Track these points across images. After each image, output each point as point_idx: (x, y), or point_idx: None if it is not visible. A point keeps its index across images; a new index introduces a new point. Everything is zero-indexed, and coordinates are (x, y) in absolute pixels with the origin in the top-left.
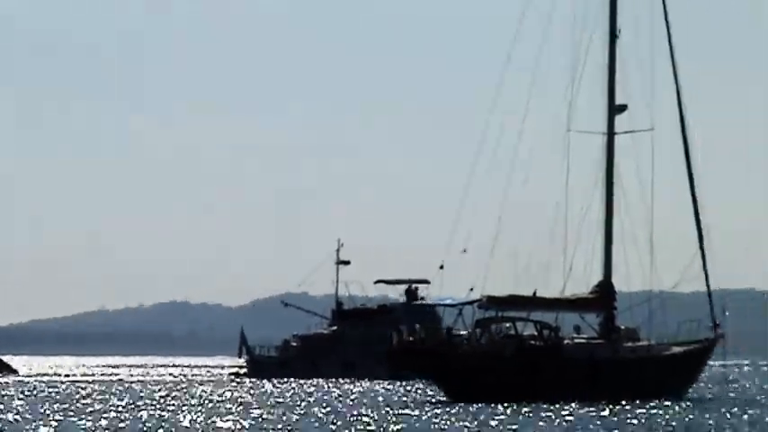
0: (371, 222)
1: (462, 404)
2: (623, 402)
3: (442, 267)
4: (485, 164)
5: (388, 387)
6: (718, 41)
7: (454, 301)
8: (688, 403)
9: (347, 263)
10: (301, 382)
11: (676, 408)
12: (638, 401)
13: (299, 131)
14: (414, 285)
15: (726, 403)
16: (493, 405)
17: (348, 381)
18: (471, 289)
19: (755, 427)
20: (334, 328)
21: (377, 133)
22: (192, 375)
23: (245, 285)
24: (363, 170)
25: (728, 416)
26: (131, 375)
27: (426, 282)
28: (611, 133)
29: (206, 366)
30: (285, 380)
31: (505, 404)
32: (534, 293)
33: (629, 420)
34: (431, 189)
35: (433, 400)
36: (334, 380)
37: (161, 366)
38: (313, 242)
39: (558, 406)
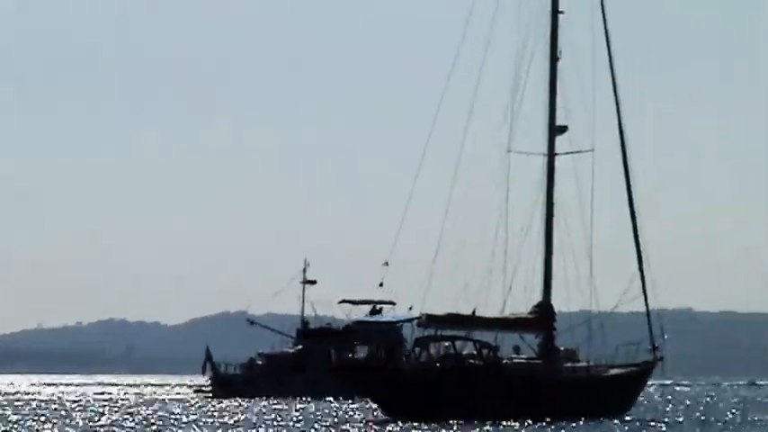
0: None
1: (399, 423)
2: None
3: (381, 285)
4: (425, 183)
5: (353, 405)
6: (660, 64)
7: (394, 319)
8: (626, 424)
9: (313, 282)
10: (266, 400)
11: (615, 428)
12: (576, 421)
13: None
14: (378, 306)
15: (663, 423)
16: (432, 424)
17: (311, 399)
18: (411, 307)
19: None
20: (300, 347)
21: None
22: (164, 394)
23: (183, 303)
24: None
25: None
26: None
27: (392, 303)
28: (551, 154)
29: (166, 384)
30: (250, 398)
31: (444, 423)
32: (473, 313)
33: None
34: (372, 207)
35: (372, 419)
36: (298, 398)
37: (128, 386)
38: (259, 259)
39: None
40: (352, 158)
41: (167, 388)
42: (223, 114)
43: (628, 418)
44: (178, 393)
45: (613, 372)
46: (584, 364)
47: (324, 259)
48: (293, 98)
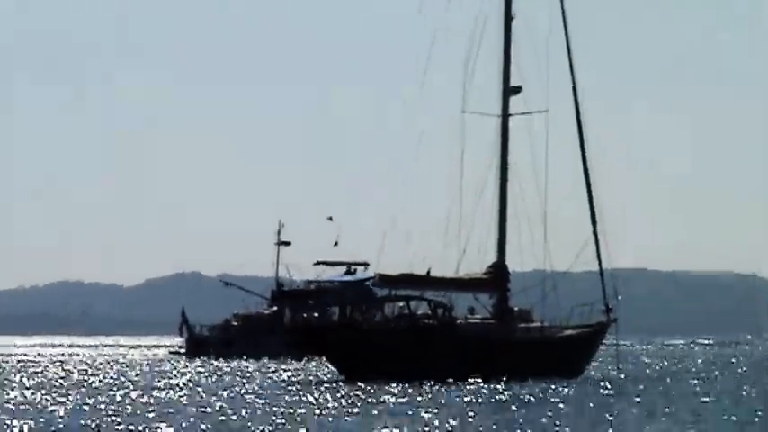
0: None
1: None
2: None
3: (336, 244)
4: (379, 144)
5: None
6: (614, 25)
7: (350, 279)
8: (580, 384)
9: (288, 243)
10: (241, 361)
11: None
12: (529, 381)
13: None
14: (353, 267)
15: (616, 383)
16: (386, 383)
17: (288, 359)
18: (365, 268)
19: (643, 404)
20: (274, 308)
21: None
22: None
23: (138, 265)
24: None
25: (616, 394)
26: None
27: (366, 264)
28: (505, 115)
29: (142, 346)
30: (225, 359)
31: (398, 382)
32: (428, 273)
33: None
34: (331, 168)
35: (327, 379)
36: (274, 358)
37: (106, 346)
38: (216, 221)
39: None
40: (310, 118)
41: (142, 350)
42: (195, 69)
43: (581, 378)
44: (155, 354)
45: (567, 332)
46: (538, 324)
47: (297, 220)
48: (264, 55)
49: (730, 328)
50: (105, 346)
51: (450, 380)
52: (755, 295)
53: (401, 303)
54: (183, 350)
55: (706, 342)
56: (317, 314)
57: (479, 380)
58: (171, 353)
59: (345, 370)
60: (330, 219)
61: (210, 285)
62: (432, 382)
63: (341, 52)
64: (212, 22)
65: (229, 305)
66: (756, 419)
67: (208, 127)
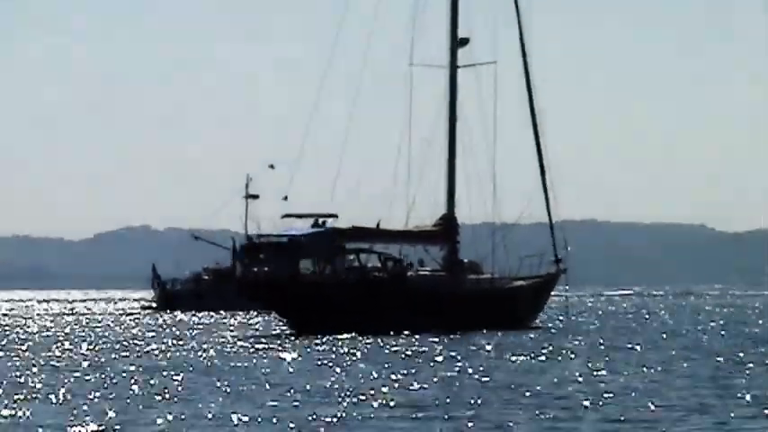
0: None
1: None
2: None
3: (285, 198)
4: (326, 96)
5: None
6: None
7: (299, 233)
8: (530, 335)
9: (256, 197)
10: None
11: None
12: (480, 332)
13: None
14: (321, 219)
15: (566, 333)
16: (337, 336)
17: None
18: (315, 221)
19: (591, 355)
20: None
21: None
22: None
23: (86, 218)
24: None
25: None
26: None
27: (335, 216)
28: (453, 66)
29: (109, 300)
30: (197, 312)
31: (349, 335)
32: (378, 226)
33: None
34: (278, 120)
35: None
36: (245, 311)
37: (74, 301)
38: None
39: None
40: (253, 71)
41: (112, 303)
42: (158, 26)
43: (531, 328)
44: (128, 308)
45: (517, 284)
46: (488, 276)
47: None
48: (203, 10)
49: (684, 278)
50: (74, 301)
51: (401, 332)
52: (706, 245)
53: (351, 256)
54: (155, 304)
55: (657, 293)
56: (267, 268)
57: (430, 331)
58: (143, 307)
59: (295, 324)
60: (271, 167)
61: (161, 239)
62: (382, 335)
63: (288, 7)
64: None
65: (184, 259)
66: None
67: (155, 79)
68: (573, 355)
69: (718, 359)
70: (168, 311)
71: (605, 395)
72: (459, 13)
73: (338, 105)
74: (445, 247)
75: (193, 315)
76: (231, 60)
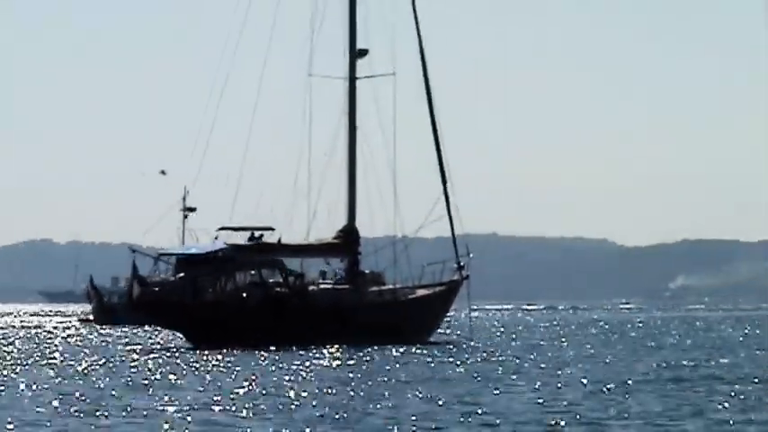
0: None
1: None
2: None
3: (193, 209)
4: (225, 107)
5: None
6: None
7: (199, 250)
8: (432, 345)
9: (193, 209)
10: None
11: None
12: (383, 344)
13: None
14: (258, 233)
15: (463, 347)
16: (240, 352)
17: None
18: (216, 237)
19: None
20: (181, 275)
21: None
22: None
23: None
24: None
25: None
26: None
27: (271, 229)
28: (352, 78)
29: (43, 314)
30: (133, 326)
31: (252, 351)
32: (279, 240)
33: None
34: (176, 132)
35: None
36: None
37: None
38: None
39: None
40: (152, 84)
41: (47, 318)
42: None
43: (433, 338)
44: (61, 322)
45: (419, 293)
46: (390, 287)
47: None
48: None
49: (584, 294)
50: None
51: (304, 346)
52: (607, 260)
53: (253, 271)
54: (91, 317)
55: (541, 307)
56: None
57: (333, 345)
58: (81, 320)
59: (197, 341)
60: (163, 173)
61: (62, 252)
62: (285, 349)
63: (185, 16)
64: None
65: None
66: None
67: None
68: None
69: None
70: (105, 325)
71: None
72: (357, 23)
73: (237, 117)
74: (346, 259)
75: (126, 328)
76: (131, 69)
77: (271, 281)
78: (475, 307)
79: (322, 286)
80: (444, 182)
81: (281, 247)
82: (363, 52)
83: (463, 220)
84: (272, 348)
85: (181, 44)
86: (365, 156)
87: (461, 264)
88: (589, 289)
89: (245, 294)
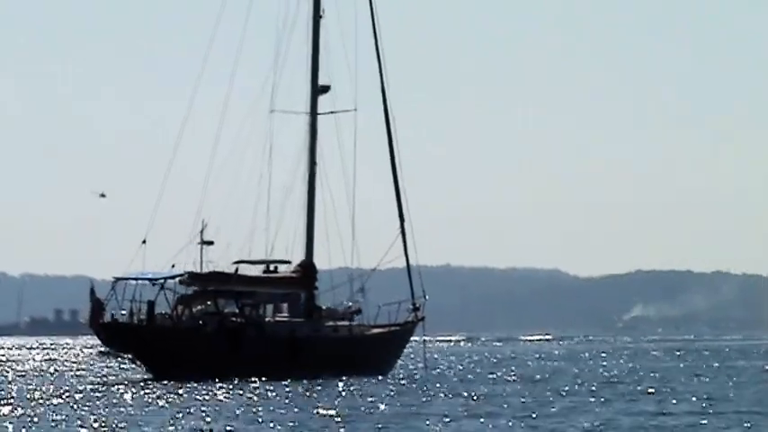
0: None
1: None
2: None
3: (144, 242)
4: (187, 142)
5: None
6: (423, 24)
7: (155, 276)
8: (387, 382)
9: (211, 243)
10: None
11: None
12: (337, 379)
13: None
14: (273, 265)
15: (422, 381)
16: (193, 382)
17: None
18: (173, 265)
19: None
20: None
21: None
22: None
23: None
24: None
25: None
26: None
27: (288, 262)
28: (313, 113)
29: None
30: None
31: (205, 380)
32: (236, 271)
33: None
34: (135, 163)
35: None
36: None
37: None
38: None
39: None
40: (114, 116)
41: (64, 350)
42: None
43: (388, 376)
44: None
45: (375, 331)
46: (346, 322)
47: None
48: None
49: (545, 323)
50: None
51: (258, 378)
52: (559, 291)
53: (209, 302)
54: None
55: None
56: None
57: (287, 378)
58: (100, 353)
59: (153, 370)
60: (102, 195)
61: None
62: (239, 381)
63: (143, 50)
64: None
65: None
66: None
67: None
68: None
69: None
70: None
71: None
72: (320, 59)
73: (198, 151)
74: (303, 293)
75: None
76: (92, 99)
77: (227, 311)
78: (427, 338)
79: (278, 319)
80: (402, 220)
81: (238, 279)
82: (325, 88)
83: (417, 252)
84: (226, 379)
85: (144, 76)
86: (324, 190)
87: (417, 305)
88: (541, 319)
89: (200, 323)
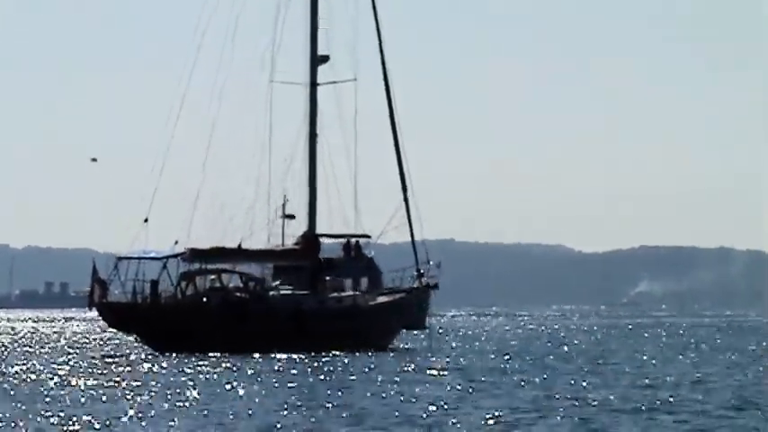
0: None
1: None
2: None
3: (146, 221)
4: (187, 113)
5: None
6: None
7: (158, 254)
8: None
9: (292, 217)
10: None
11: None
12: (343, 351)
13: None
14: (354, 240)
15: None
16: (200, 357)
17: None
18: (176, 242)
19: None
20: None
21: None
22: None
23: None
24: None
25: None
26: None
27: (368, 236)
28: (313, 84)
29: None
30: None
31: (211, 356)
32: (239, 246)
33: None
34: (135, 136)
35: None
36: None
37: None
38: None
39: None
40: (113, 90)
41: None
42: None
43: (395, 345)
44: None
45: (380, 300)
46: (351, 293)
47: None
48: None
49: (546, 299)
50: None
51: (264, 352)
52: (563, 266)
53: (212, 277)
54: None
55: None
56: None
57: (293, 351)
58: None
59: (158, 346)
60: (94, 160)
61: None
62: (246, 355)
63: (142, 24)
64: None
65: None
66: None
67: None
68: None
69: None
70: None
71: None
72: (318, 30)
73: (197, 124)
74: (307, 265)
75: None
76: (90, 75)
77: (231, 286)
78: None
79: (282, 292)
80: (405, 190)
81: (241, 253)
82: (325, 58)
83: (422, 226)
84: (233, 354)
85: (143, 49)
86: (325, 162)
87: (421, 271)
88: (546, 295)
89: (204, 299)
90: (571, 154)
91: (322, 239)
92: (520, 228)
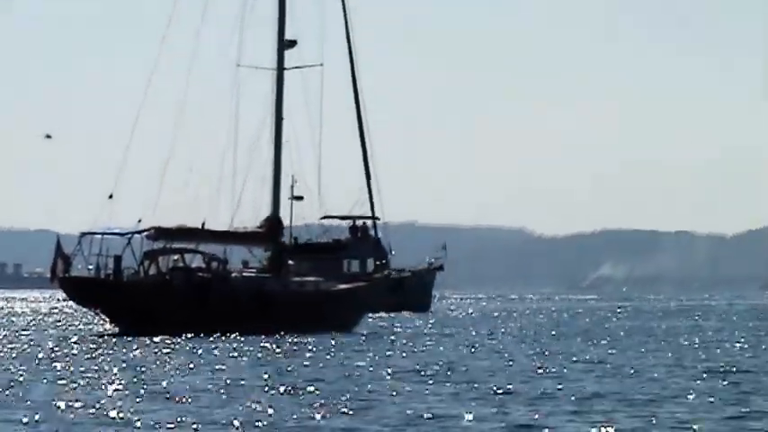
0: None
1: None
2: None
3: (111, 197)
4: (153, 97)
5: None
6: None
7: (122, 231)
8: (354, 337)
9: (301, 198)
10: None
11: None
12: (304, 335)
13: None
14: (361, 221)
15: (383, 337)
16: (161, 337)
17: None
18: (140, 220)
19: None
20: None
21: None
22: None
23: None
24: None
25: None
26: None
27: (376, 218)
28: (280, 68)
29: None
30: None
31: (172, 336)
32: (203, 225)
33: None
34: (100, 121)
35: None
36: None
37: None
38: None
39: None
40: (81, 74)
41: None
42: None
43: (356, 331)
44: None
45: (342, 286)
46: (313, 278)
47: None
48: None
49: (504, 282)
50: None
51: (225, 333)
52: (524, 250)
53: (176, 256)
54: None
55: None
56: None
57: (254, 333)
58: None
59: (120, 323)
60: (48, 136)
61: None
62: (206, 336)
63: (111, 7)
64: None
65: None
66: None
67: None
68: None
69: None
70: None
71: None
72: (286, 14)
73: (164, 107)
74: (270, 248)
75: None
76: (60, 55)
77: (194, 266)
78: None
79: (245, 274)
80: (368, 174)
81: (205, 233)
82: (292, 43)
83: (384, 208)
84: (193, 334)
85: (110, 32)
86: (291, 145)
87: (383, 261)
88: (506, 278)
89: (167, 278)
90: (532, 137)
91: (330, 221)
92: (480, 211)
